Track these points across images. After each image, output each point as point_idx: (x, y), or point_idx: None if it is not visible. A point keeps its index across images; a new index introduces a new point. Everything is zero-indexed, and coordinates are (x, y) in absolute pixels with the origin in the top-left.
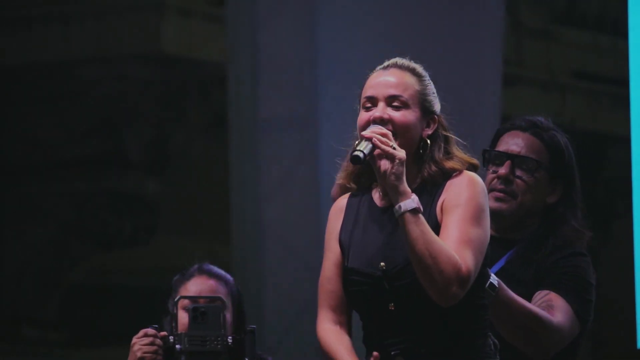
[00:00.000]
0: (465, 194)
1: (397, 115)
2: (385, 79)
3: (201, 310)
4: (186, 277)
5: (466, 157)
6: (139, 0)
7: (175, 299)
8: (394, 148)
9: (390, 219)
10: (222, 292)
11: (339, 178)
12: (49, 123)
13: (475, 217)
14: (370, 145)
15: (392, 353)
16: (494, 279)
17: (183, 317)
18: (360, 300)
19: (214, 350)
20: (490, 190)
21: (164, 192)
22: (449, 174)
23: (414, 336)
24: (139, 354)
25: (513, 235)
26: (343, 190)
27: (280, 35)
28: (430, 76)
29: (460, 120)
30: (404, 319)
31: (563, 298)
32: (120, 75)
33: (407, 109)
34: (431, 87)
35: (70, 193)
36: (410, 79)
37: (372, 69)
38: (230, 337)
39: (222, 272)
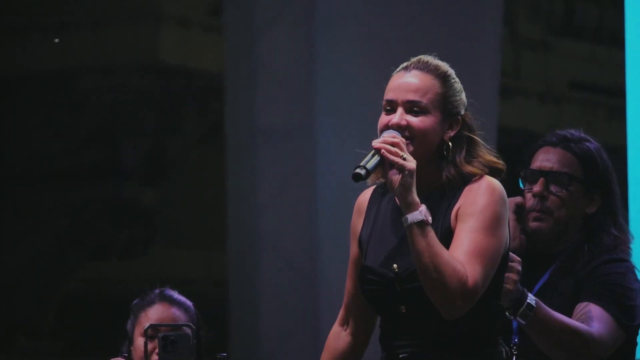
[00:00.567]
0: (481, 202)
1: (415, 121)
2: (405, 82)
3: (171, 338)
4: (146, 303)
5: (492, 159)
6: (137, 10)
7: (145, 327)
8: (404, 159)
9: None
10: (183, 319)
11: (369, 180)
12: (45, 132)
13: (490, 227)
14: (377, 158)
15: (400, 356)
16: (531, 298)
17: (143, 345)
18: (373, 299)
19: None
20: (529, 210)
21: (161, 202)
22: (468, 179)
23: (423, 340)
24: None
25: (556, 249)
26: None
27: (277, 45)
28: None
29: None
30: (414, 322)
31: (601, 307)
32: (117, 84)
33: (426, 115)
34: (456, 86)
35: (66, 202)
36: (431, 81)
37: (369, 80)
38: None
39: (182, 298)
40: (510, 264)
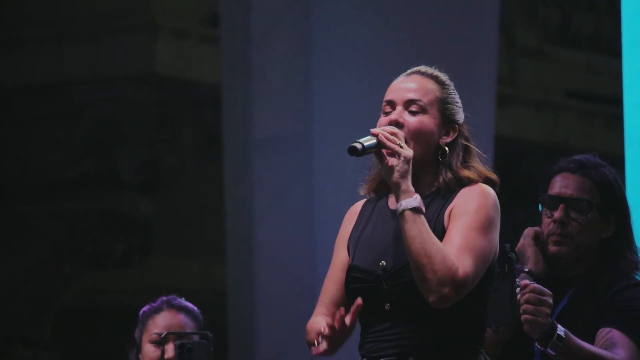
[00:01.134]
0: (475, 203)
1: (412, 120)
2: (405, 85)
3: (188, 346)
4: (154, 310)
5: (485, 170)
6: (133, 22)
7: (163, 335)
8: (401, 146)
9: (398, 219)
10: (191, 326)
11: (361, 190)
12: (42, 144)
13: (482, 227)
14: (374, 141)
15: (382, 355)
16: (560, 330)
17: (152, 352)
18: (358, 297)
19: None
20: (549, 234)
21: (157, 212)
22: (464, 183)
23: (404, 341)
24: None
25: (573, 273)
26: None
27: (274, 56)
28: None
29: None
30: (397, 320)
31: (623, 333)
32: (113, 96)
33: (424, 114)
34: (454, 97)
35: (63, 213)
36: (431, 86)
37: (365, 89)
38: None
39: (190, 305)
40: (542, 297)
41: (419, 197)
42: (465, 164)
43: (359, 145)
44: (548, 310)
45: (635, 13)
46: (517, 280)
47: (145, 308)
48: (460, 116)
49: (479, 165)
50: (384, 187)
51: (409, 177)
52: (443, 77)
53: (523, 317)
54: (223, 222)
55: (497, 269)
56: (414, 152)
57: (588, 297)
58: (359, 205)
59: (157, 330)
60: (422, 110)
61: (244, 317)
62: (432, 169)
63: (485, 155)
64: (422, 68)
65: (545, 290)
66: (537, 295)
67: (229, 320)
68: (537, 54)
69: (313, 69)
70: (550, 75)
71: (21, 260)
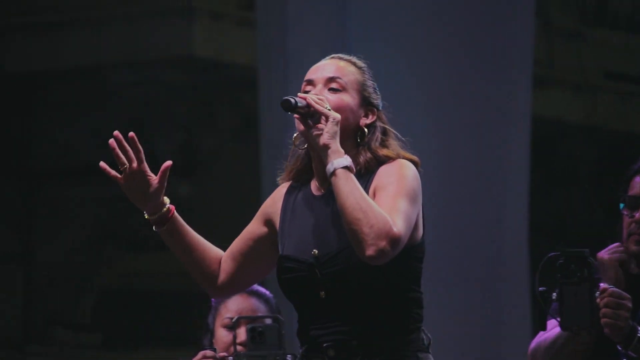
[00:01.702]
0: (396, 174)
1: (332, 97)
2: (324, 65)
3: (259, 330)
4: None
5: (405, 152)
6: (170, 4)
7: (234, 319)
8: (329, 109)
9: (325, 206)
10: (263, 309)
11: (279, 179)
12: (80, 127)
13: (407, 194)
14: (305, 102)
15: (324, 345)
16: None
17: (225, 336)
18: (292, 287)
19: None
20: (630, 234)
21: (195, 195)
22: (382, 162)
23: (344, 327)
24: None
25: None
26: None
27: (310, 38)
28: (460, 78)
29: (492, 122)
30: (334, 307)
31: None
32: (150, 79)
33: (344, 93)
34: (372, 83)
35: (101, 197)
36: (351, 68)
37: (401, 73)
38: (289, 356)
39: (262, 289)
40: (620, 301)
41: (349, 157)
42: (384, 145)
43: (292, 99)
44: (627, 314)
45: None
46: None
47: None
48: (379, 102)
49: (398, 147)
50: (304, 174)
51: (338, 139)
52: (361, 63)
53: (602, 320)
54: (260, 204)
55: (576, 273)
56: None
57: None
58: (283, 189)
59: (229, 315)
60: (342, 88)
61: (283, 298)
62: (351, 150)
63: (404, 140)
64: (341, 55)
65: (624, 294)
66: (615, 299)
67: None
68: (574, 35)
69: (349, 51)
70: (587, 56)
71: (60, 243)
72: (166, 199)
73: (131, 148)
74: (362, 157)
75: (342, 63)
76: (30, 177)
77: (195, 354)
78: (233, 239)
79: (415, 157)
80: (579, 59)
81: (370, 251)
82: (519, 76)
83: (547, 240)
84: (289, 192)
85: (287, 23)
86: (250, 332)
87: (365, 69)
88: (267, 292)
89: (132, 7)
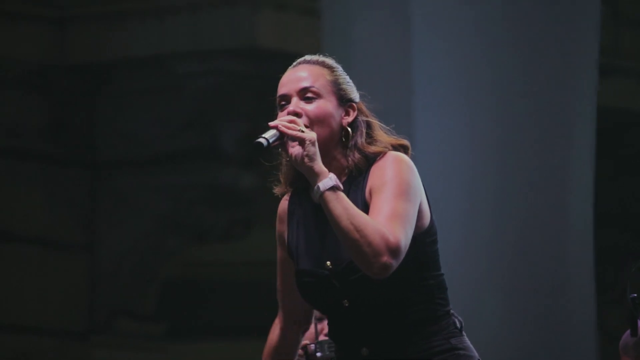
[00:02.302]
0: (389, 172)
1: (310, 107)
2: (294, 75)
3: None
4: None
5: (393, 139)
6: None
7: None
8: (302, 131)
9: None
10: None
11: (277, 189)
12: (145, 117)
13: (402, 192)
14: (277, 133)
15: (356, 346)
16: None
17: (313, 326)
18: (315, 301)
19: None
20: None
21: (259, 185)
22: (372, 159)
23: (374, 329)
24: None
25: None
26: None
27: (375, 28)
28: (525, 67)
29: (556, 111)
30: (360, 314)
31: None
32: (215, 69)
33: (320, 99)
34: (345, 77)
35: (165, 187)
36: (320, 70)
37: (466, 63)
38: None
39: None
40: None
41: (334, 175)
42: (370, 139)
43: (264, 141)
44: None
45: None
46: None
47: None
48: (356, 95)
49: (385, 136)
50: (301, 179)
51: (319, 159)
52: (329, 61)
53: None
54: None
55: None
56: (320, 137)
57: None
58: (284, 203)
59: None
60: (317, 95)
61: None
62: (341, 153)
63: (388, 127)
64: (307, 57)
65: None
66: None
67: None
68: None
69: (414, 42)
70: None
71: (125, 234)
72: None
73: None
74: (351, 158)
75: (310, 67)
76: (95, 167)
77: (264, 345)
78: None
79: (404, 141)
80: None
81: (374, 269)
82: (585, 65)
83: (613, 231)
84: (291, 205)
85: (351, 12)
86: None
87: (334, 66)
88: None
89: None
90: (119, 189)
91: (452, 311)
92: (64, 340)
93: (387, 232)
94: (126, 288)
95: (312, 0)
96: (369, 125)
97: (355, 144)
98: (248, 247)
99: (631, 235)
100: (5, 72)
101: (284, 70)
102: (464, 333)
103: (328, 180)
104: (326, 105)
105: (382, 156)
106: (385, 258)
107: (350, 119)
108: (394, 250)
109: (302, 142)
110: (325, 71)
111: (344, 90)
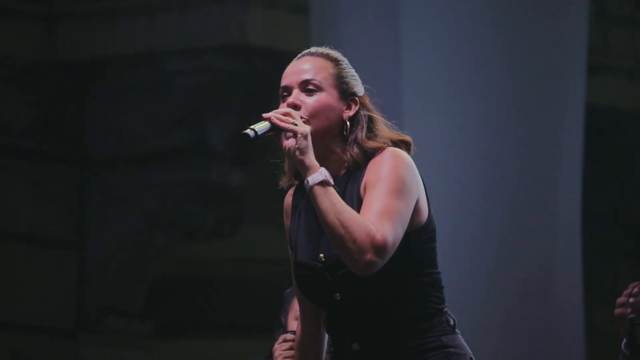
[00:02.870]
0: (385, 168)
1: (310, 100)
2: (297, 67)
3: None
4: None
5: (394, 134)
6: None
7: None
8: (296, 124)
9: None
10: None
11: (282, 182)
12: (134, 115)
13: (396, 189)
14: (268, 124)
15: (347, 340)
16: None
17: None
18: (309, 293)
19: None
20: None
21: (249, 183)
22: (371, 154)
23: (366, 323)
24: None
25: None
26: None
27: (364, 27)
28: (514, 65)
29: (545, 109)
30: (351, 306)
31: None
32: (204, 66)
33: (321, 92)
34: (349, 71)
35: (154, 184)
36: (324, 63)
37: (455, 61)
38: None
39: None
40: None
41: (325, 171)
42: (371, 134)
43: (251, 132)
44: None
45: None
46: None
47: (289, 289)
48: (360, 89)
49: (387, 132)
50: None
51: (311, 153)
52: (334, 54)
53: None
54: None
55: None
56: (317, 130)
57: None
58: (289, 198)
59: None
60: (318, 88)
61: None
62: (340, 147)
63: (391, 122)
64: (312, 49)
65: None
66: None
67: None
68: (629, 21)
69: (403, 40)
70: None
71: (114, 231)
72: None
73: None
74: (349, 152)
75: (314, 60)
76: (84, 164)
77: (252, 343)
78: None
79: (406, 137)
80: (633, 46)
81: (358, 266)
82: (573, 63)
83: (600, 229)
84: (295, 198)
85: (340, 11)
86: None
87: (339, 59)
88: None
89: None
90: (109, 186)
91: (446, 309)
92: (53, 338)
93: (374, 229)
94: (115, 285)
95: None
96: (371, 120)
97: (355, 139)
98: (238, 245)
99: (619, 233)
100: None
101: (273, 67)
102: (457, 331)
103: (318, 174)
104: (326, 98)
105: (381, 151)
106: (370, 256)
107: (351, 113)
108: (379, 248)
109: (294, 134)
110: (328, 64)
111: (346, 84)
